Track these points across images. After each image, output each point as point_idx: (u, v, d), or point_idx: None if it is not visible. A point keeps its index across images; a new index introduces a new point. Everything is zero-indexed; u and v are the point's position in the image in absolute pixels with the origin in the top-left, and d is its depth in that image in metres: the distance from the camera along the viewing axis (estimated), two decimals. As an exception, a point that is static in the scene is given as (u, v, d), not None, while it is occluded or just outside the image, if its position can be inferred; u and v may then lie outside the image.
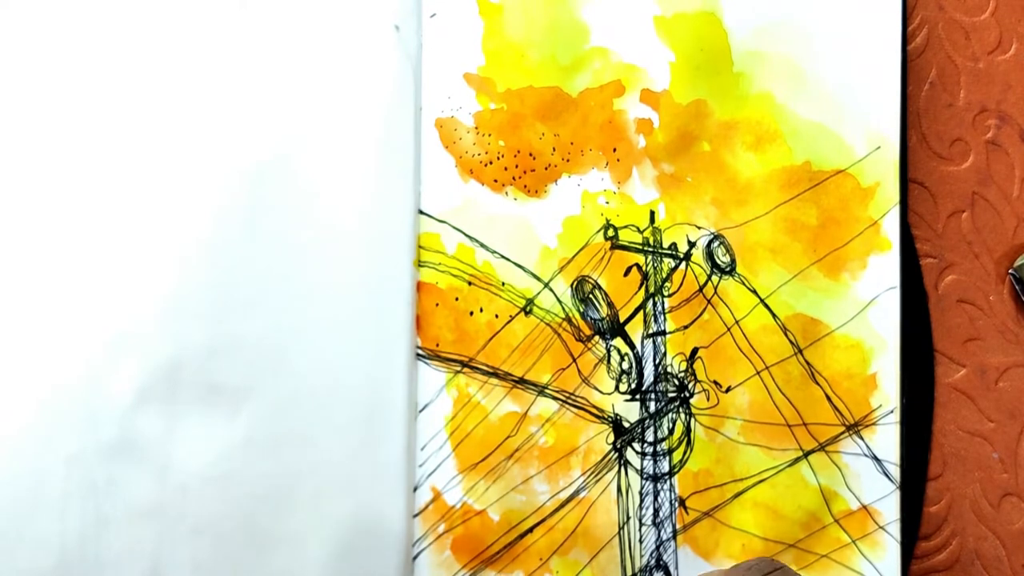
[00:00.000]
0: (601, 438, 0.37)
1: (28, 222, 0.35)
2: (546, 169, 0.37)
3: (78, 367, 0.34)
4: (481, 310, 0.37)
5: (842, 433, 0.36)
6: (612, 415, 0.37)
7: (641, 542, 0.36)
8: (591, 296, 0.37)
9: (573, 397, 0.37)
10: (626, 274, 0.37)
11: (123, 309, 0.35)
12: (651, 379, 0.37)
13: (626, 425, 0.37)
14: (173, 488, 0.34)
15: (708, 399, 0.37)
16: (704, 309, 0.37)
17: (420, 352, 0.37)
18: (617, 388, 0.37)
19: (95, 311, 0.35)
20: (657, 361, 0.37)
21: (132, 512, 0.34)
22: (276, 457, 0.36)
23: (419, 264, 0.37)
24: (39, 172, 0.36)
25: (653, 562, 0.36)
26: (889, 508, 0.36)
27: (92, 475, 0.33)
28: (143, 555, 0.34)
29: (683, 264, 0.37)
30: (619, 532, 0.36)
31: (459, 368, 0.37)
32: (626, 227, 0.37)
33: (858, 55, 0.37)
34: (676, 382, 0.37)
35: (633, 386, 0.37)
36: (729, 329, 0.37)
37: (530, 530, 0.36)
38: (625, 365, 0.37)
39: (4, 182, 0.36)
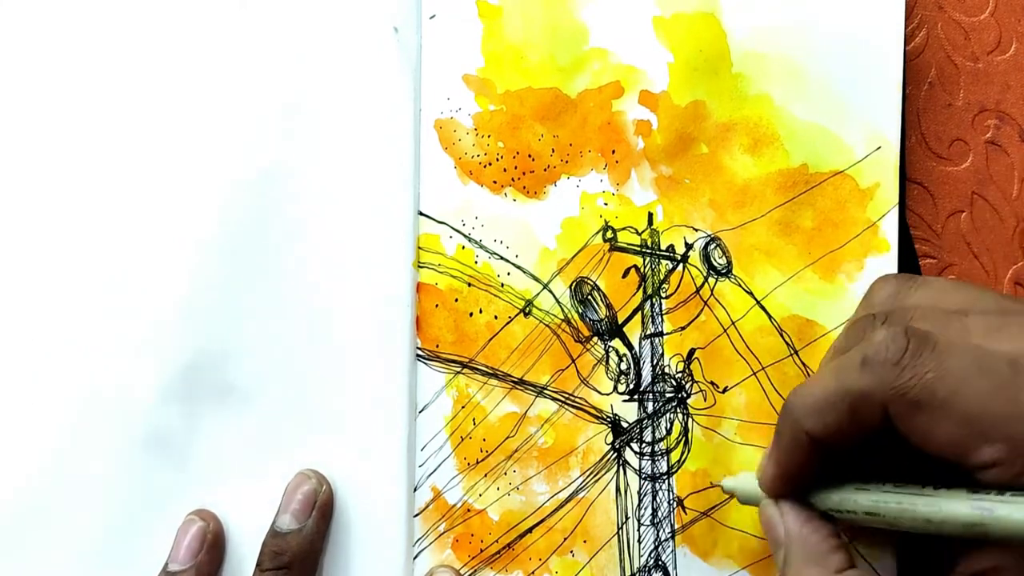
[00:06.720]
0: (600, 438, 0.37)
1: (56, 244, 0.38)
2: (545, 171, 0.37)
3: (108, 372, 0.37)
4: (480, 311, 0.37)
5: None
6: (611, 415, 0.37)
7: (640, 542, 0.36)
8: (590, 297, 0.37)
9: (572, 398, 0.37)
10: (624, 276, 0.37)
11: (144, 319, 0.37)
12: (649, 380, 0.37)
13: (624, 425, 0.37)
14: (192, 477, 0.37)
15: (705, 399, 0.37)
16: (701, 311, 0.37)
17: (420, 353, 0.37)
18: (615, 389, 0.37)
19: (119, 321, 0.37)
20: (655, 362, 0.37)
21: (160, 496, 0.37)
22: (279, 455, 0.37)
23: (419, 265, 0.37)
24: (56, 194, 0.38)
25: (652, 562, 0.36)
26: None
27: (126, 465, 0.37)
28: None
29: (680, 266, 0.37)
30: (618, 532, 0.36)
31: (459, 369, 0.37)
32: (624, 229, 0.37)
33: (859, 54, 0.37)
34: (674, 383, 0.37)
35: (631, 387, 0.37)
36: (726, 330, 0.37)
37: (529, 530, 0.37)
38: (623, 366, 0.37)
39: (28, 207, 0.38)
